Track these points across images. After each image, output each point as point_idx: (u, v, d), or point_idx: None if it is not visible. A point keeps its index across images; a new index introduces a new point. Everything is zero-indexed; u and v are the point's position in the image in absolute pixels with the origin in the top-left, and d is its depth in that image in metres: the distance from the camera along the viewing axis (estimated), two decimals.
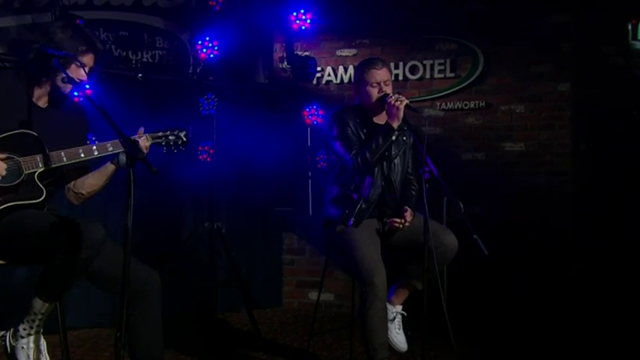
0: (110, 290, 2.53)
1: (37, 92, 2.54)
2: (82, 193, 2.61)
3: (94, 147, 2.50)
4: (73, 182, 2.62)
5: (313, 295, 4.82)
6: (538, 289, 4.40)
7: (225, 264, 4.39)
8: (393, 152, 3.26)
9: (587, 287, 4.35)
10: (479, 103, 4.77)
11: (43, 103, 2.57)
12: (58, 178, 2.57)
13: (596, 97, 4.67)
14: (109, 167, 2.57)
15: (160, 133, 2.66)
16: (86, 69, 2.51)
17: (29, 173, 2.42)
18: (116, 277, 2.28)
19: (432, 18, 4.85)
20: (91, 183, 2.59)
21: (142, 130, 2.58)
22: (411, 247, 3.19)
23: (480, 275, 4.31)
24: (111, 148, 2.50)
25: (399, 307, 3.34)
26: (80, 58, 2.49)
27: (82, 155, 2.48)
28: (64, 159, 2.46)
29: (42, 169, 2.44)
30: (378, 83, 3.21)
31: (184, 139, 2.68)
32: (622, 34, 4.68)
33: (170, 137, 2.66)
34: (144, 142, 2.56)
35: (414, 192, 3.35)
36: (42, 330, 2.45)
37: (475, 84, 4.78)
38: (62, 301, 2.52)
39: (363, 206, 3.19)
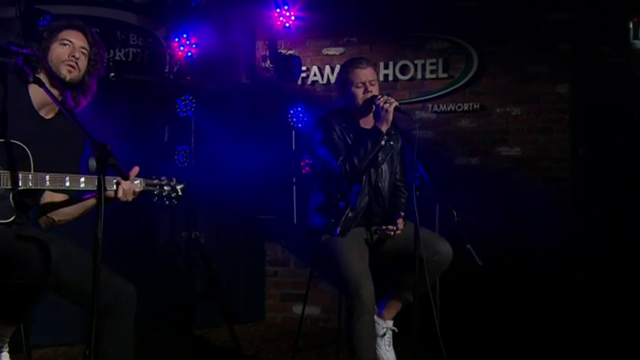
0: (81, 303, 2.49)
1: (36, 99, 2.47)
2: (53, 219, 2.54)
3: (82, 179, 2.43)
4: (48, 206, 2.54)
5: (298, 309, 4.80)
6: (536, 301, 4.41)
7: (203, 276, 4.37)
8: (379, 158, 3.27)
9: (588, 296, 4.37)
10: (473, 105, 4.79)
11: (46, 112, 2.50)
12: (37, 199, 2.50)
13: (596, 99, 4.71)
14: (90, 202, 2.49)
15: (156, 181, 2.58)
16: (76, 49, 2.46)
17: (6, 189, 2.34)
18: (87, 289, 2.24)
19: (424, 15, 4.87)
20: (66, 212, 2.53)
21: (136, 170, 2.47)
22: (403, 257, 3.19)
23: (474, 287, 4.32)
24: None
25: (390, 323, 3.34)
26: (65, 35, 2.46)
27: (68, 184, 2.41)
28: (47, 183, 2.39)
29: (20, 189, 2.35)
30: (364, 83, 3.22)
31: (180, 193, 2.60)
32: (622, 33, 4.73)
33: (165, 187, 2.58)
34: (136, 187, 2.48)
35: (403, 199, 3.36)
36: (6, 349, 2.42)
37: (469, 85, 4.81)
38: (25, 318, 2.48)
39: (350, 215, 3.20)
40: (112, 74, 3.96)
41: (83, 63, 2.52)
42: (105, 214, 2.15)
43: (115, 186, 2.43)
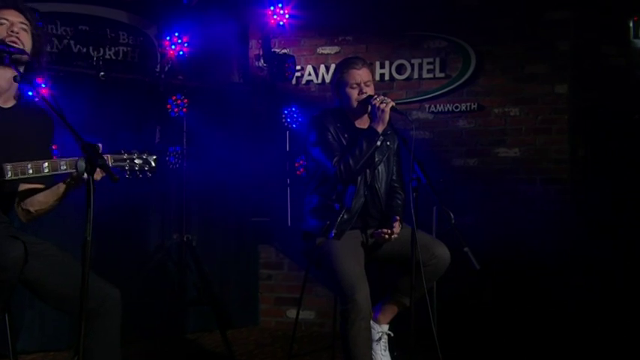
0: (66, 310, 2.47)
1: None
2: (29, 211, 2.50)
3: (45, 164, 2.38)
4: (23, 197, 2.51)
5: (292, 313, 4.80)
6: (536, 304, 4.42)
7: (195, 280, 4.35)
8: (376, 158, 3.27)
9: (588, 300, 4.37)
10: (470, 106, 4.79)
11: (3, 101, 2.48)
12: (9, 192, 2.47)
13: (596, 99, 4.72)
14: (60, 187, 2.44)
15: (125, 155, 2.51)
16: (14, 26, 2.44)
17: None
18: (72, 295, 2.23)
19: (421, 14, 4.87)
20: (40, 200, 2.49)
21: (99, 147, 2.39)
22: (399, 260, 3.19)
23: (472, 291, 4.32)
24: (64, 167, 2.37)
25: (386, 327, 3.34)
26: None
27: (31, 172, 2.36)
28: (9, 173, 2.34)
29: None
30: (358, 84, 3.22)
31: (153, 164, 2.54)
32: (623, 32, 4.74)
33: (136, 161, 2.51)
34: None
35: (399, 201, 3.36)
36: None
37: (466, 85, 4.81)
38: (12, 323, 2.47)
39: (345, 217, 3.19)
40: (102, 73, 3.95)
41: (25, 38, 2.49)
42: (93, 216, 2.15)
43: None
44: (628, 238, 4.50)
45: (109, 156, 2.47)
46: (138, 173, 2.53)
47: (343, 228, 3.18)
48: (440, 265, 3.16)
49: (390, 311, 3.35)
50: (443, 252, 3.16)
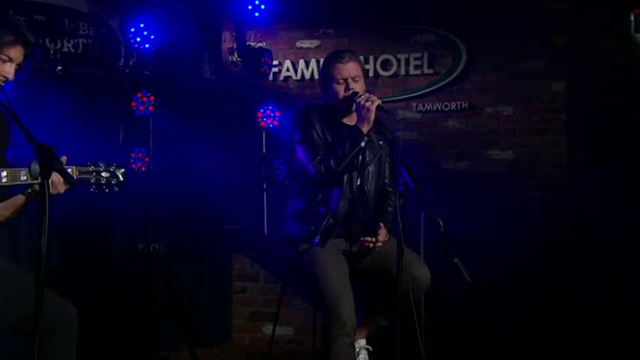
0: (17, 328, 2.45)
1: None
2: None
3: (4, 173, 2.37)
4: None
5: (268, 329, 4.79)
6: (530, 319, 4.44)
7: (163, 293, 4.33)
8: (367, 158, 3.25)
9: (587, 314, 4.40)
10: (461, 105, 4.82)
11: None
12: None
13: (595, 98, 4.76)
14: (19, 198, 2.44)
15: (91, 167, 2.54)
16: (13, 65, 2.43)
17: None
18: (25, 311, 2.20)
19: (408, 5, 4.89)
20: None
21: (64, 159, 2.41)
22: (380, 275, 3.19)
23: (462, 304, 4.33)
24: (24, 178, 2.37)
25: (363, 342, 3.35)
26: (6, 52, 2.42)
27: (5, 180, 2.35)
28: None
29: None
30: (345, 79, 3.21)
31: (121, 178, 2.57)
32: (623, 26, 4.79)
33: (103, 174, 2.54)
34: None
35: (390, 208, 3.33)
36: None
37: (457, 82, 4.83)
38: None
39: (330, 222, 3.19)
40: (59, 68, 3.91)
41: None
42: (49, 224, 2.12)
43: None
44: (629, 245, 4.53)
45: (74, 167, 2.49)
46: (104, 187, 2.57)
47: (328, 234, 3.17)
48: (417, 286, 3.13)
49: (366, 327, 3.37)
50: (421, 272, 3.16)
